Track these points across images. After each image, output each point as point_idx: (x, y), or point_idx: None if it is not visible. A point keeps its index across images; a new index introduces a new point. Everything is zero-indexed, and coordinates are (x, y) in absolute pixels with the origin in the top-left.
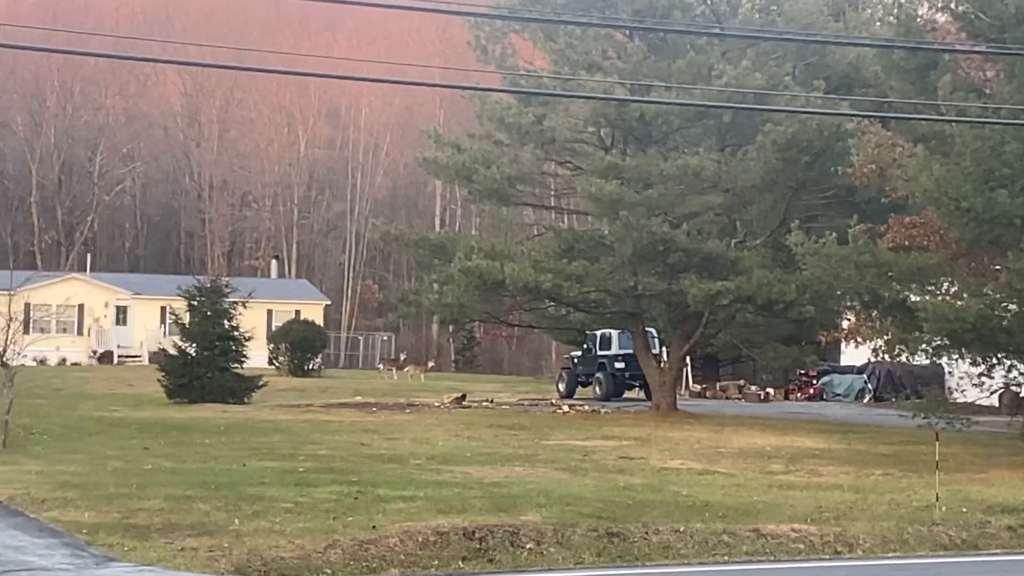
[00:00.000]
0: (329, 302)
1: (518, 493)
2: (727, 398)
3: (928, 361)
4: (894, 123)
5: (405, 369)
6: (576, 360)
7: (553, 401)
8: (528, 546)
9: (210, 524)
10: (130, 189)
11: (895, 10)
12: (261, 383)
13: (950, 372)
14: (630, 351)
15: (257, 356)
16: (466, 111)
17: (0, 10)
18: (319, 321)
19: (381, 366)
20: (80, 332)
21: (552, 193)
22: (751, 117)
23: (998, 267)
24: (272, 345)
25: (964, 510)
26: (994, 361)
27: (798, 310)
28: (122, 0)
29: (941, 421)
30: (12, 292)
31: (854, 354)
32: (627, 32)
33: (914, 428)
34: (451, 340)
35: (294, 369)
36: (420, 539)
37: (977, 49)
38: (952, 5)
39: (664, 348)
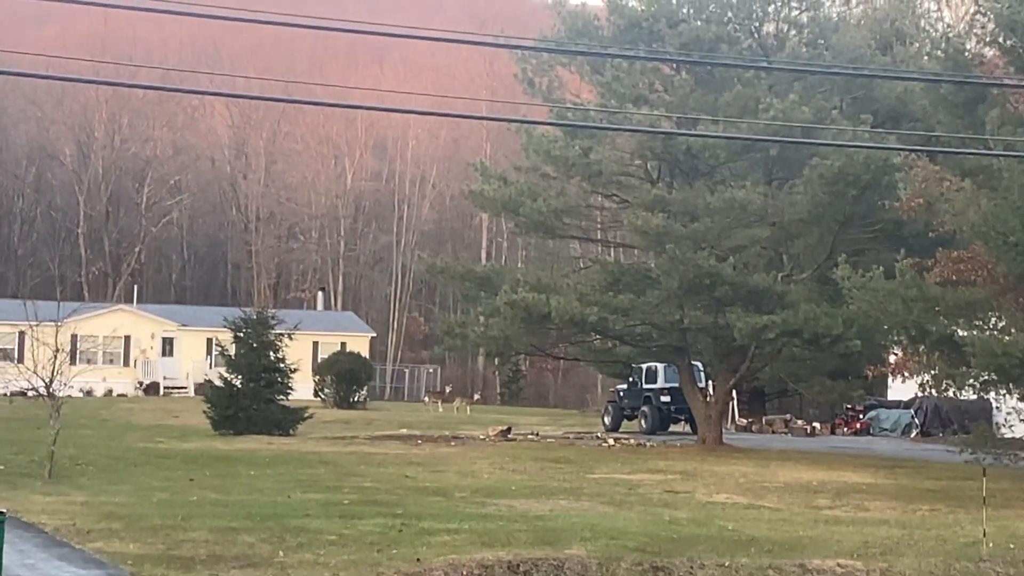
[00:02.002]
0: (375, 334)
1: (563, 526)
2: (773, 432)
3: (976, 396)
4: (942, 157)
5: (452, 402)
6: (622, 393)
7: (599, 434)
8: None
9: (255, 556)
10: (177, 221)
11: (943, 44)
12: (306, 415)
13: (998, 407)
14: (676, 385)
15: (303, 388)
16: (513, 144)
17: (49, 42)
18: (365, 353)
19: (427, 399)
20: (126, 363)
21: (598, 226)
22: (798, 151)
23: None
24: (318, 377)
25: (1012, 546)
26: None
27: (845, 344)
28: (170, 32)
29: (988, 456)
30: (59, 323)
31: (901, 388)
32: (674, 65)
33: (961, 463)
34: (497, 373)
35: (339, 401)
36: (465, 572)
37: None
38: (1000, 39)
39: (710, 382)
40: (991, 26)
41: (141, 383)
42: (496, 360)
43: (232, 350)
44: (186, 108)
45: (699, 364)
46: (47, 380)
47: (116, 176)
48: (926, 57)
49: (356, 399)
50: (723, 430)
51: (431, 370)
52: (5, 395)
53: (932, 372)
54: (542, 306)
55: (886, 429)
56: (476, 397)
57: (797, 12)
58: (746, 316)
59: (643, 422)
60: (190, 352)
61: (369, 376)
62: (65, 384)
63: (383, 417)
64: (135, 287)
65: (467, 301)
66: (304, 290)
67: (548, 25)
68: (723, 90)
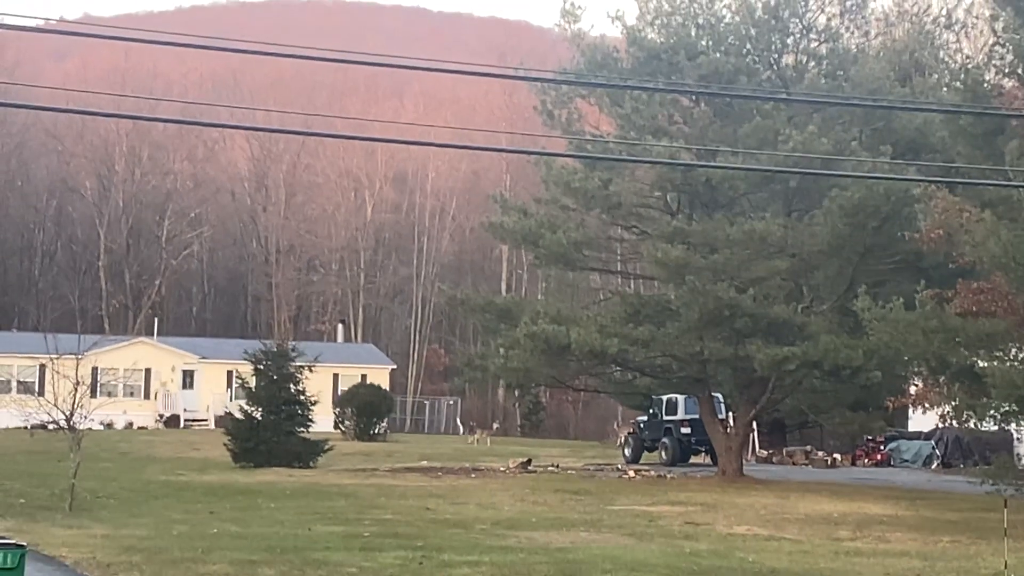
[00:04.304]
0: (395, 366)
1: (583, 559)
2: (794, 464)
3: (996, 427)
4: (961, 188)
5: (474, 434)
6: (642, 425)
7: (619, 466)
8: None
9: None
10: (197, 253)
11: (962, 75)
12: (327, 447)
13: (1019, 438)
14: (696, 416)
15: (323, 420)
16: (532, 176)
17: (69, 76)
18: (385, 385)
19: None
20: (147, 396)
21: (618, 258)
22: (817, 182)
23: None
24: (338, 409)
25: None
26: None
27: (865, 375)
28: (190, 66)
29: (1010, 488)
30: (80, 356)
31: (922, 420)
32: (693, 97)
33: (982, 494)
34: (517, 405)
35: (360, 433)
36: None
37: None
38: (1019, 70)
39: (730, 413)
40: (1010, 57)
41: (161, 416)
42: (516, 392)
43: (252, 382)
44: (206, 141)
45: (719, 395)
46: (68, 413)
47: (136, 209)
48: (945, 88)
49: (376, 431)
50: (743, 462)
51: (451, 402)
52: (26, 428)
53: (953, 403)
54: (562, 338)
55: (907, 460)
56: (495, 426)
57: (816, 44)
58: (766, 348)
59: (663, 454)
60: (210, 384)
61: (389, 408)
62: (85, 417)
63: (403, 449)
64: (155, 320)
65: (487, 333)
66: (324, 322)
67: (567, 57)
68: (742, 122)
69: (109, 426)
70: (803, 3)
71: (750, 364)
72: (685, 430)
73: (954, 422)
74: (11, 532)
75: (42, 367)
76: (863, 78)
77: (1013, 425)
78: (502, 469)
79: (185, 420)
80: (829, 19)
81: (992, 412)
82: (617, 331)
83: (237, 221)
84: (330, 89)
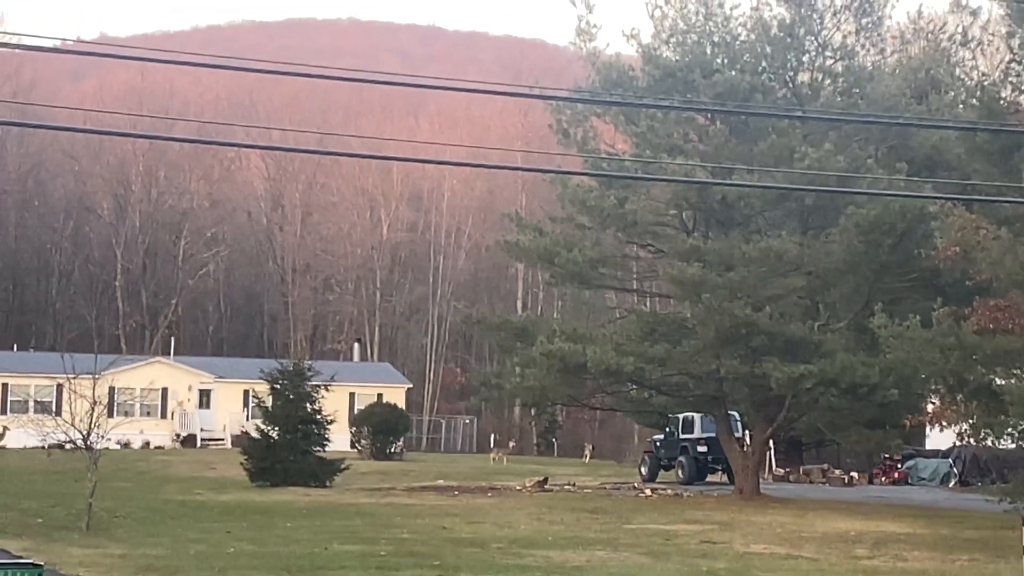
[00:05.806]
0: (411, 385)
1: None
2: (811, 482)
3: (1014, 445)
4: (978, 205)
5: (492, 451)
6: (658, 443)
7: (635, 485)
8: None
9: None
10: (214, 273)
11: (978, 92)
12: (343, 466)
13: None
14: (712, 434)
15: (339, 439)
16: (548, 194)
17: (86, 96)
18: (401, 404)
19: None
20: (164, 415)
21: (634, 276)
22: (833, 200)
23: None
24: (354, 428)
25: None
26: None
27: (882, 393)
28: (206, 85)
29: None
30: (97, 375)
31: (939, 438)
32: (708, 115)
33: (1000, 513)
34: (533, 423)
35: (376, 452)
36: None
37: None
38: None
39: (747, 431)
40: None
41: (178, 435)
42: (532, 411)
43: (269, 402)
44: (222, 160)
45: (736, 414)
46: (84, 433)
47: (153, 229)
48: (961, 106)
49: (392, 450)
50: (760, 480)
51: (467, 421)
52: (43, 448)
53: (970, 421)
54: (578, 356)
55: (924, 478)
56: (512, 445)
57: (831, 61)
58: (783, 366)
59: (680, 472)
60: (227, 404)
61: (405, 427)
62: (102, 436)
63: (420, 468)
64: (172, 339)
65: (503, 352)
66: (340, 341)
67: (582, 76)
68: (758, 140)
69: (126, 446)
70: (818, 21)
71: (767, 382)
72: (702, 448)
73: (971, 440)
74: (29, 552)
75: (59, 387)
76: (879, 95)
77: None
78: (518, 488)
79: (202, 439)
80: (845, 37)
81: (1010, 430)
82: (633, 349)
83: (253, 240)
84: (345, 108)
